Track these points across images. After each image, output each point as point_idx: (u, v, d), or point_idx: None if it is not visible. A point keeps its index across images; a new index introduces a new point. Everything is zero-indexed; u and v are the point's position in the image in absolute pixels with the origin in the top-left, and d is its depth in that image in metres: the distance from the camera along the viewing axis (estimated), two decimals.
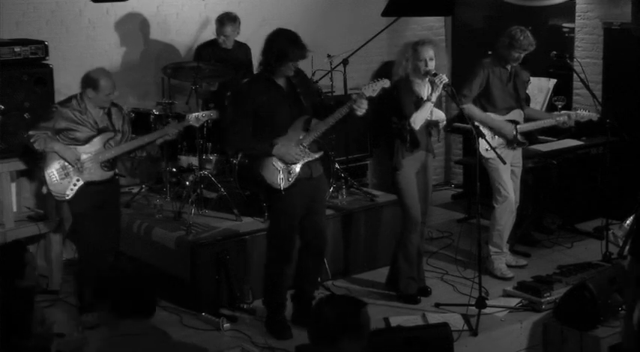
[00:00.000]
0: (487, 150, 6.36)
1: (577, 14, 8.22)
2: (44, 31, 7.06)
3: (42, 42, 6.62)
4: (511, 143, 6.54)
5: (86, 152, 5.79)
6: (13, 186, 6.73)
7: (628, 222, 7.20)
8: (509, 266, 6.71)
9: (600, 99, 6.83)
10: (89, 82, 5.78)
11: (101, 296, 3.40)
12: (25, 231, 6.56)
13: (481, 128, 6.37)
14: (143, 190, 7.22)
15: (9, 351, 3.97)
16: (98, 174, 5.83)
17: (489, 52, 6.71)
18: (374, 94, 5.58)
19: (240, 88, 5.96)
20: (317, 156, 5.59)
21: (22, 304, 4.22)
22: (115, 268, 3.40)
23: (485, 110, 6.48)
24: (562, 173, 7.46)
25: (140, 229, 6.60)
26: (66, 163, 5.76)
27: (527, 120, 6.61)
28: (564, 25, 8.36)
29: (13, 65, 6.42)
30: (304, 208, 5.58)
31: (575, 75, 6.76)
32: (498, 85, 6.47)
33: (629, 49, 7.70)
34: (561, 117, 6.64)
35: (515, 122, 6.54)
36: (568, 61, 6.82)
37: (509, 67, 6.49)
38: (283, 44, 5.37)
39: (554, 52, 6.77)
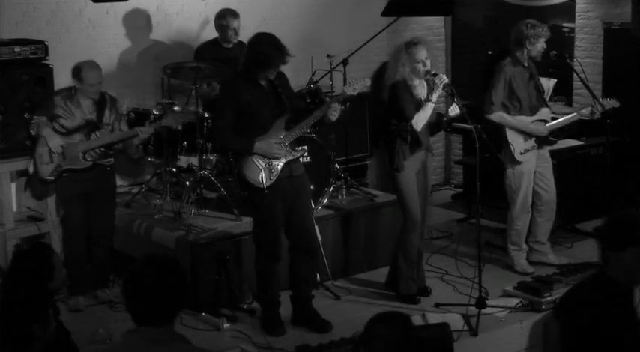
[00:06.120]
0: (521, 153, 6.38)
1: (577, 14, 8.22)
2: (44, 31, 7.06)
3: (42, 42, 6.62)
4: (542, 143, 6.55)
5: (69, 140, 5.97)
6: (13, 186, 6.74)
7: None
8: (552, 264, 6.71)
9: (600, 100, 6.84)
10: (74, 71, 6.02)
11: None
12: (25, 230, 6.57)
13: (512, 132, 6.42)
14: (143, 190, 7.23)
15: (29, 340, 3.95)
16: (79, 163, 6.01)
17: (489, 52, 6.69)
18: (354, 93, 5.67)
19: (223, 85, 6.03)
20: (298, 154, 5.63)
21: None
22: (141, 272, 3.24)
23: (511, 112, 6.48)
24: (562, 173, 7.45)
25: (140, 229, 6.60)
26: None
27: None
28: (564, 25, 8.35)
29: (13, 65, 6.43)
30: (285, 207, 5.59)
31: (575, 75, 6.76)
32: (521, 85, 6.48)
33: (629, 49, 7.70)
34: (585, 110, 6.60)
35: (544, 121, 6.55)
36: (568, 61, 6.81)
37: (527, 66, 6.49)
38: (264, 50, 5.39)
39: (554, 52, 6.76)
